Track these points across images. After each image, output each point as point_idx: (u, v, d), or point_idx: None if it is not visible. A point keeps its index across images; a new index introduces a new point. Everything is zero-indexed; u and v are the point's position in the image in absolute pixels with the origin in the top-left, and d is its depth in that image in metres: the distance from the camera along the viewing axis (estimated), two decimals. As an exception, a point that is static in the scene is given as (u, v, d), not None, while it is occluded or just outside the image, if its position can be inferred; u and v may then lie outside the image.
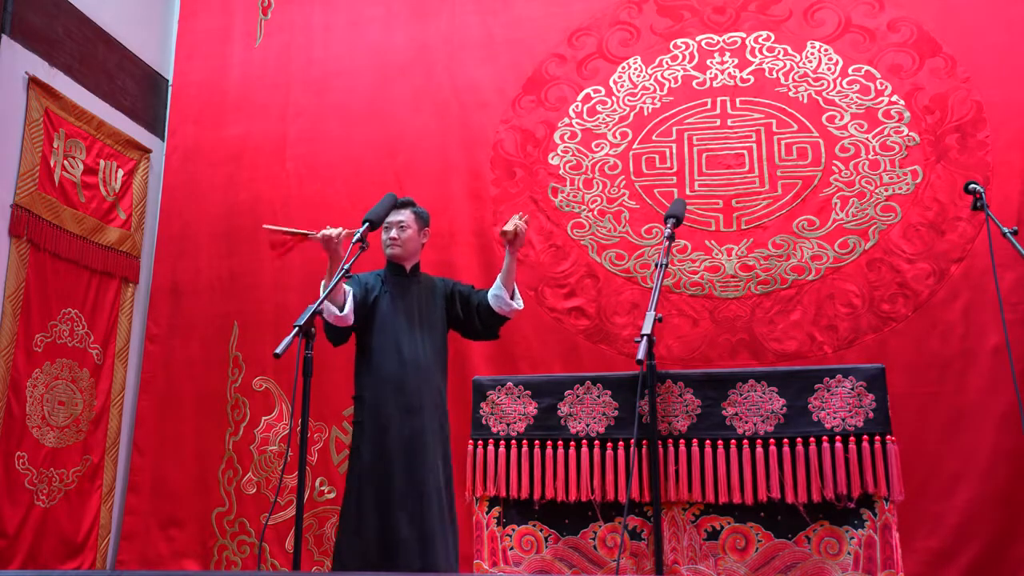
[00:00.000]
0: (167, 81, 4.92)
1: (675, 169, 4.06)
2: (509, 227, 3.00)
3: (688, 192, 4.00)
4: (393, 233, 3.12)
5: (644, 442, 2.31)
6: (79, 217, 4.15)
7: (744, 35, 4.13)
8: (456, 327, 3.24)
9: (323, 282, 2.95)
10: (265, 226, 3.04)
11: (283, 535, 4.14)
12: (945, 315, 3.64)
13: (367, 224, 2.76)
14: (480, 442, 2.47)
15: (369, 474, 2.95)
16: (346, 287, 3.00)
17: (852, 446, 2.21)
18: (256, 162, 4.61)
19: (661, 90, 4.16)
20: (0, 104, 3.77)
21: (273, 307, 4.37)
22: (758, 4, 4.14)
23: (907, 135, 3.84)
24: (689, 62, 4.16)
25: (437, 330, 3.17)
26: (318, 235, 2.88)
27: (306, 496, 3.95)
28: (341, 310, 2.94)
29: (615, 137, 4.15)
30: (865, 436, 2.21)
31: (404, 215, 3.14)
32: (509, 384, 2.50)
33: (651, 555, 2.27)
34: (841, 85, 3.95)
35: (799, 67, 4.02)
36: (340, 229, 2.86)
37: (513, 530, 2.41)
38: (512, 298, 3.11)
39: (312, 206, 4.44)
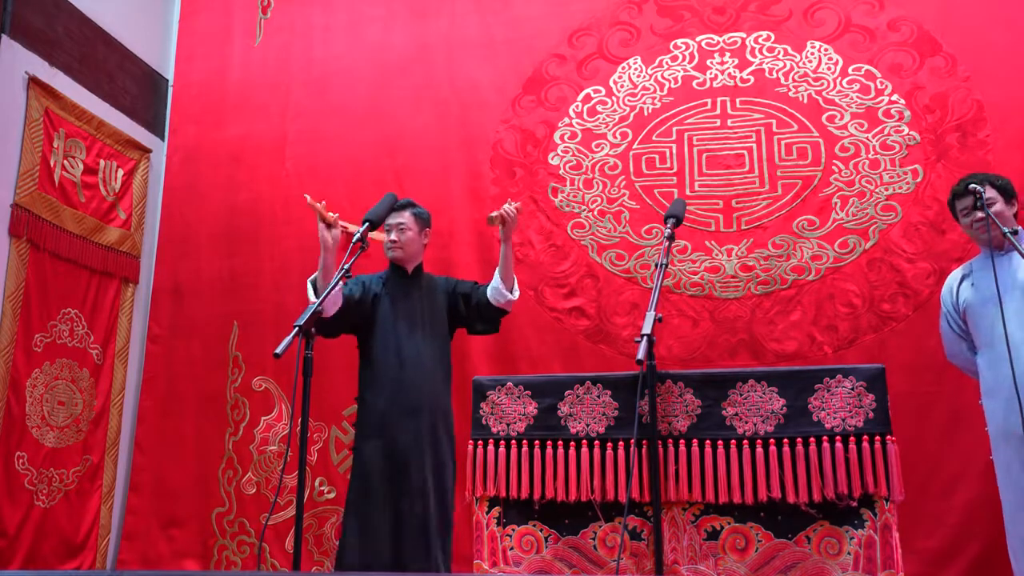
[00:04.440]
0: (167, 81, 4.92)
1: (675, 169, 4.06)
2: (494, 213, 3.00)
3: (688, 192, 4.00)
4: (393, 236, 3.12)
5: (644, 442, 2.31)
6: (79, 217, 4.15)
7: (744, 35, 4.13)
8: (460, 324, 3.25)
9: (313, 277, 2.93)
10: (307, 197, 2.99)
11: (283, 535, 4.14)
12: (945, 315, 3.63)
13: (367, 224, 2.77)
14: (480, 442, 2.47)
15: (369, 474, 2.95)
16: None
17: (852, 446, 2.21)
18: (256, 162, 4.61)
19: (661, 90, 4.16)
20: (0, 104, 3.77)
21: (273, 307, 4.37)
22: (758, 4, 4.14)
23: (907, 134, 3.84)
24: (689, 62, 4.16)
25: (439, 331, 3.17)
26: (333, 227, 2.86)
27: (306, 496, 3.95)
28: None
29: (615, 137, 4.15)
30: (865, 436, 2.22)
31: (404, 217, 3.14)
32: (509, 384, 2.50)
33: (651, 555, 2.27)
34: (841, 85, 3.95)
35: (799, 67, 4.02)
36: (335, 228, 2.84)
37: (513, 530, 2.41)
38: (511, 290, 3.12)
39: (312, 206, 4.44)
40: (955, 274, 3.04)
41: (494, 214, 3.02)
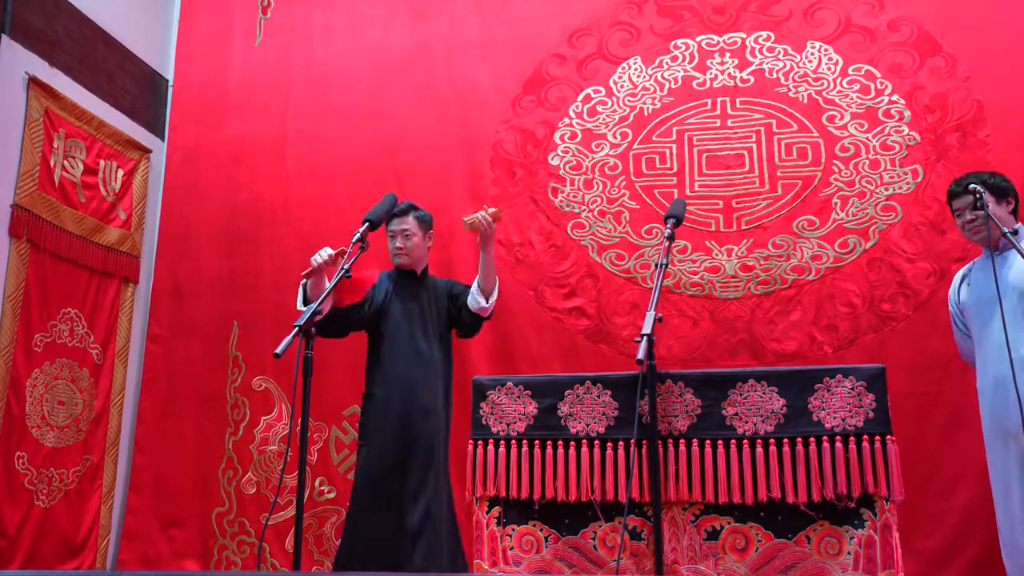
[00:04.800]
0: (167, 81, 4.92)
1: (675, 169, 4.06)
2: (468, 217, 2.98)
3: (688, 192, 4.00)
4: (399, 243, 3.14)
5: (644, 442, 2.31)
6: (79, 217, 4.15)
7: (744, 35, 4.13)
8: (453, 325, 3.27)
9: (305, 282, 2.92)
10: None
11: (283, 535, 4.14)
12: (945, 315, 3.60)
13: (367, 224, 2.77)
14: (480, 442, 2.47)
15: (377, 473, 2.95)
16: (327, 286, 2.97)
17: (852, 446, 2.21)
18: (256, 162, 4.61)
19: (661, 90, 4.16)
20: (0, 104, 3.77)
21: (273, 307, 4.37)
22: (758, 4, 4.14)
23: (907, 134, 3.84)
24: (689, 62, 4.16)
25: (445, 333, 3.20)
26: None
27: (306, 496, 3.95)
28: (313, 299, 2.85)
29: (615, 137, 4.15)
30: (865, 436, 2.21)
31: (408, 223, 3.15)
32: (509, 384, 2.50)
33: (651, 555, 2.27)
34: (841, 85, 3.95)
35: (799, 67, 4.02)
36: (328, 252, 2.81)
37: (513, 530, 2.41)
38: (487, 298, 3.11)
39: (312, 206, 4.44)
40: (959, 274, 3.05)
41: (468, 219, 2.99)
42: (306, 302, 2.89)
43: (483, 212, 2.99)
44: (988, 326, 2.74)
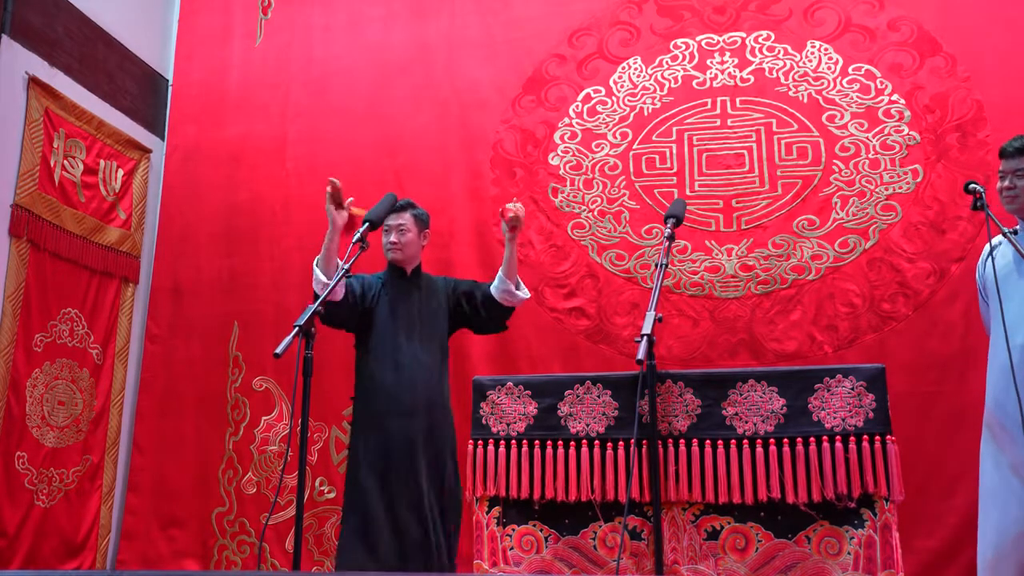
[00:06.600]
0: (167, 81, 4.92)
1: (675, 169, 4.06)
2: (511, 212, 3.00)
3: (688, 192, 4.00)
4: (393, 237, 3.12)
5: (644, 442, 2.31)
6: (79, 217, 4.15)
7: (744, 35, 4.13)
8: (464, 324, 3.25)
9: (316, 259, 2.93)
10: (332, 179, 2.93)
11: (283, 535, 4.14)
12: (945, 315, 3.63)
13: (367, 224, 2.77)
14: (480, 442, 2.47)
15: (365, 474, 2.95)
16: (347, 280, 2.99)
17: (852, 446, 2.21)
18: (256, 162, 4.61)
19: (661, 90, 4.16)
20: (0, 104, 3.77)
21: (273, 307, 4.37)
22: (758, 4, 4.14)
23: (907, 134, 3.84)
24: (689, 62, 4.16)
25: (438, 332, 3.16)
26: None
27: (306, 496, 3.95)
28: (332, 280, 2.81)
29: (615, 137, 4.15)
30: (865, 436, 2.22)
31: (404, 218, 3.13)
32: (509, 384, 2.50)
33: (651, 555, 2.27)
34: (841, 84, 3.95)
35: (799, 67, 4.02)
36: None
37: (513, 530, 2.41)
38: (518, 288, 3.12)
39: (312, 206, 4.43)
40: (992, 243, 2.80)
41: (511, 213, 3.00)
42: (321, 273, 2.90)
43: (514, 205, 3.03)
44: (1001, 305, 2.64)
